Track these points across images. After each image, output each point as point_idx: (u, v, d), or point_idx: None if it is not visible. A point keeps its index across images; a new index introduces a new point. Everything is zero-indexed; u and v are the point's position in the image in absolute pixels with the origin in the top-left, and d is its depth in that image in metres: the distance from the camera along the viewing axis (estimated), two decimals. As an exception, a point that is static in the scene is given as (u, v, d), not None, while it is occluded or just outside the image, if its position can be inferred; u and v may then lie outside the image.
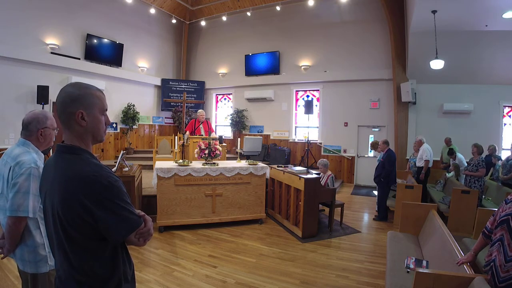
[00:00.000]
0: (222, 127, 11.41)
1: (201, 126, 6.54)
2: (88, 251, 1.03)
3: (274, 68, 9.99)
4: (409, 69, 7.75)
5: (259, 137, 8.35)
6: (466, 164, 6.21)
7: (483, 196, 5.18)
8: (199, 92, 11.16)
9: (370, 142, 8.08)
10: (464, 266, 2.17)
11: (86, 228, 0.99)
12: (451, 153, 6.43)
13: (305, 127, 9.54)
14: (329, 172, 5.32)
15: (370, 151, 8.59)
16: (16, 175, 1.60)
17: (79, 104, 1.07)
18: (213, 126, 8.41)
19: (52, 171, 1.08)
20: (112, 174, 1.06)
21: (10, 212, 1.56)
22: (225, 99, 11.51)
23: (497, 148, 6.65)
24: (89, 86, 1.13)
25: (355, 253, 4.01)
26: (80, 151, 1.08)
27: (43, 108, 6.99)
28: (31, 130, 1.75)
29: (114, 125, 9.18)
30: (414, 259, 2.86)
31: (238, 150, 5.64)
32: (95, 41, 8.52)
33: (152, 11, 9.54)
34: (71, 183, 1.00)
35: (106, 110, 1.17)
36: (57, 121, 1.41)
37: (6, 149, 6.79)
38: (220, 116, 11.63)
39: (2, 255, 1.69)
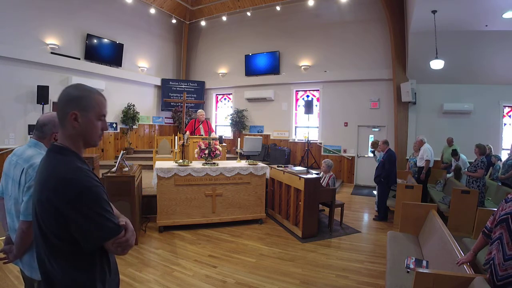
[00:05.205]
0: (222, 127, 11.41)
1: (201, 126, 6.53)
2: (63, 253, 1.00)
3: (274, 68, 9.99)
4: (409, 69, 7.74)
5: (259, 137, 8.35)
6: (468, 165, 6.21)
7: (484, 196, 5.17)
8: (199, 92, 11.16)
9: (370, 142, 8.08)
10: (464, 266, 2.18)
11: (59, 229, 0.97)
12: (455, 154, 6.41)
13: (305, 127, 9.54)
14: (331, 173, 5.32)
15: (371, 151, 8.58)
16: (30, 178, 1.53)
17: (74, 105, 1.06)
18: (213, 126, 8.41)
19: (39, 170, 1.08)
20: (93, 179, 1.03)
21: (25, 217, 1.47)
22: (225, 99, 11.51)
23: (492, 148, 6.61)
24: (91, 89, 1.12)
25: (355, 253, 4.01)
26: (67, 152, 1.07)
27: (43, 108, 6.99)
28: (45, 132, 1.70)
29: (114, 125, 9.18)
30: (414, 259, 2.87)
31: (238, 150, 5.64)
32: (95, 41, 8.52)
33: (152, 11, 9.55)
34: (47, 183, 0.99)
35: (105, 115, 1.15)
36: None
37: (6, 149, 6.76)
38: (220, 116, 11.63)
39: (6, 261, 1.62)
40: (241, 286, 3.07)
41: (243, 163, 5.14)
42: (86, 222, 0.98)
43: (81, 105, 1.07)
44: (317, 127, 9.51)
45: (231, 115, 10.63)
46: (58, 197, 0.96)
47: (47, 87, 6.95)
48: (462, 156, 6.45)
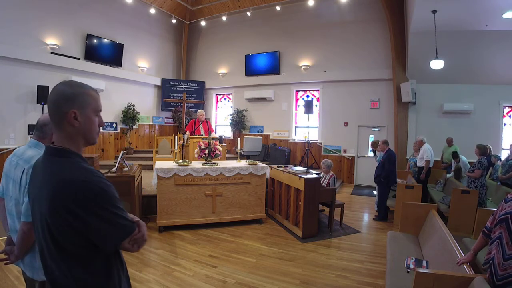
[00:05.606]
0: (222, 127, 11.41)
1: (201, 126, 6.54)
2: (79, 260, 0.97)
3: (274, 68, 9.99)
4: (409, 69, 7.74)
5: (259, 137, 8.34)
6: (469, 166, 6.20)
7: (485, 197, 5.15)
8: (199, 92, 11.16)
9: (370, 142, 8.08)
10: (464, 266, 2.18)
11: (76, 236, 0.94)
12: (455, 156, 6.41)
13: (305, 127, 9.54)
14: (331, 173, 5.32)
15: (370, 151, 8.59)
16: None
17: (72, 104, 1.01)
18: (213, 126, 8.41)
19: (40, 175, 1.02)
20: (103, 179, 1.00)
21: (26, 217, 1.47)
22: (225, 99, 11.51)
23: (492, 148, 6.58)
24: (83, 85, 1.08)
25: (355, 253, 4.01)
26: (70, 154, 1.02)
27: (43, 108, 6.99)
28: (46, 132, 1.69)
29: (114, 125, 9.18)
30: (414, 259, 2.87)
31: (238, 150, 5.64)
32: (95, 41, 8.52)
33: (152, 11, 9.54)
34: (59, 189, 0.93)
35: (100, 110, 1.11)
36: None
37: (6, 149, 6.75)
38: (220, 116, 11.63)
39: (7, 261, 1.61)
40: (241, 286, 3.08)
41: (243, 163, 5.14)
42: (105, 224, 0.95)
43: (78, 102, 1.02)
44: (317, 127, 9.50)
45: (231, 115, 10.63)
46: (75, 203, 0.92)
47: (47, 87, 6.94)
48: (463, 158, 6.44)
